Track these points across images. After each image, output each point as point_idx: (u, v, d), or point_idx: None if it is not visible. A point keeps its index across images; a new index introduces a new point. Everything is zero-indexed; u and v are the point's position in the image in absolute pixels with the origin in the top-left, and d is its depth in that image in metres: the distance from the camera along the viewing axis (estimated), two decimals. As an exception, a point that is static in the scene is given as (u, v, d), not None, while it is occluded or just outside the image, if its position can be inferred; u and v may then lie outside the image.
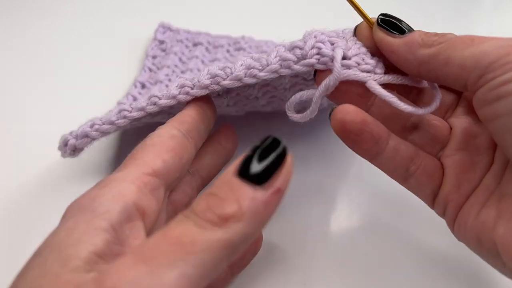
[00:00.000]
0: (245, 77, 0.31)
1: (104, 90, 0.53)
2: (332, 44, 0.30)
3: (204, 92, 0.32)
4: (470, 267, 0.37)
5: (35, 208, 0.41)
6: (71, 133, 0.37)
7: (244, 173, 0.21)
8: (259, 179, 0.20)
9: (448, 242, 0.37)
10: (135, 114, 0.34)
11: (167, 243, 0.19)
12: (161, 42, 0.58)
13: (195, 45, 0.58)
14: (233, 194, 0.20)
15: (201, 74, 0.33)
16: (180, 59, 0.56)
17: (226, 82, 0.31)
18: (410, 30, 0.29)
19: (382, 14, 0.30)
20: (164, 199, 0.27)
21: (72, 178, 0.43)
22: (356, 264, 0.38)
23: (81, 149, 0.37)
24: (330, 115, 0.28)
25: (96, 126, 0.36)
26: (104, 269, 0.19)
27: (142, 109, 0.34)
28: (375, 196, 0.43)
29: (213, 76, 0.32)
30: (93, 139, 0.36)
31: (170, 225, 0.20)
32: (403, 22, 0.29)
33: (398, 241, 0.39)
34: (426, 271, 0.37)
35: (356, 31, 0.31)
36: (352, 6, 0.32)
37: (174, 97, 0.33)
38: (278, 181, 0.21)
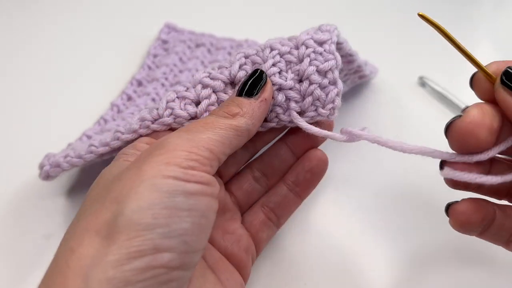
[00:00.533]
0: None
1: (105, 88, 0.53)
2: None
3: (164, 127, 0.34)
4: (471, 266, 0.37)
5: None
6: (48, 159, 0.38)
7: (241, 95, 0.32)
8: (252, 94, 0.32)
9: (448, 242, 0.38)
10: (101, 149, 0.35)
11: (199, 124, 0.30)
12: (165, 41, 0.58)
13: (197, 46, 0.58)
14: (236, 103, 0.32)
15: (159, 107, 0.34)
16: (181, 59, 0.56)
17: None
18: None
19: (508, 68, 0.27)
20: None
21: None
22: (356, 264, 0.38)
23: (55, 176, 0.38)
24: (441, 165, 0.29)
25: (68, 158, 0.37)
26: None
27: (106, 144, 0.35)
28: (376, 197, 0.42)
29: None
30: (64, 170, 0.37)
31: (198, 119, 0.33)
32: None
33: (398, 241, 0.39)
34: (426, 271, 0.37)
35: (472, 83, 0.29)
36: (463, 55, 0.29)
37: (135, 131, 0.34)
38: (263, 93, 0.33)
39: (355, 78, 0.47)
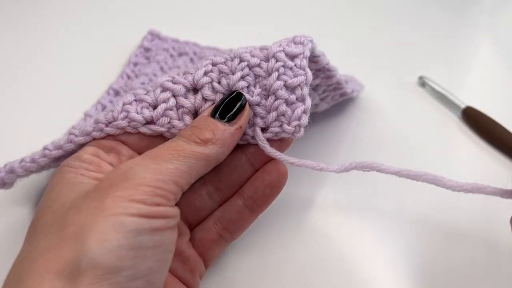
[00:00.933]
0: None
1: (83, 97, 0.51)
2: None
3: (118, 131, 0.32)
4: (470, 266, 0.38)
5: None
6: (5, 166, 0.36)
7: (215, 115, 0.31)
8: (228, 119, 0.30)
9: (448, 241, 0.39)
10: (55, 152, 0.33)
11: (166, 150, 0.28)
12: (147, 49, 0.56)
13: (180, 55, 0.56)
14: (209, 127, 0.30)
15: (114, 109, 0.32)
16: (162, 68, 0.54)
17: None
18: None
19: None
20: None
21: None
22: (356, 264, 0.38)
23: (11, 184, 0.36)
24: None
25: (23, 163, 0.35)
26: (120, 164, 0.29)
27: (60, 147, 0.33)
28: (376, 197, 0.42)
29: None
30: (18, 176, 0.35)
31: (166, 142, 0.30)
32: None
33: (397, 242, 0.39)
34: (425, 269, 0.37)
35: None
36: None
37: (88, 134, 0.32)
38: (240, 121, 0.31)
39: (335, 96, 0.44)
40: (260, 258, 0.38)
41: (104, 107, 0.49)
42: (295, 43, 0.33)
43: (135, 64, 0.54)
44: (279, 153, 0.32)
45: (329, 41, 0.59)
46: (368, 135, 0.48)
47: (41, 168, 0.35)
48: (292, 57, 0.33)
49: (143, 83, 0.51)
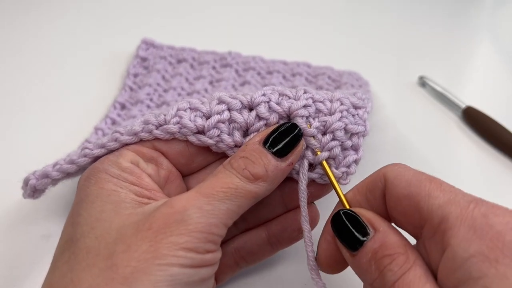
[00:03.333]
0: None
1: (81, 113, 0.50)
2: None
3: (167, 136, 0.31)
4: None
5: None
6: (34, 173, 0.34)
7: (267, 144, 0.29)
8: (280, 153, 0.29)
9: None
10: (96, 151, 0.32)
11: (220, 186, 0.27)
12: (144, 59, 0.55)
13: (179, 61, 0.55)
14: (262, 160, 0.29)
15: (167, 113, 0.31)
16: (163, 77, 0.53)
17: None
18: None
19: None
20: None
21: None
22: None
23: (42, 191, 0.35)
24: None
25: (58, 166, 0.33)
26: (172, 198, 0.27)
27: (103, 146, 0.32)
28: None
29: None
30: (54, 179, 0.34)
31: (218, 175, 0.28)
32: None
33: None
34: None
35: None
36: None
37: (136, 134, 0.31)
38: (292, 156, 0.29)
39: None
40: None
41: (113, 121, 0.48)
42: (356, 97, 0.33)
43: (135, 75, 0.53)
44: (305, 197, 0.31)
45: (330, 41, 0.59)
46: (368, 134, 0.48)
47: (78, 171, 0.34)
48: (356, 107, 0.33)
49: (148, 94, 0.51)
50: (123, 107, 0.50)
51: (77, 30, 0.61)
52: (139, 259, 0.24)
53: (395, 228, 0.27)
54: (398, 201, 0.26)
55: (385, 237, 0.25)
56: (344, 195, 0.29)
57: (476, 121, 0.49)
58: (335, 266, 0.29)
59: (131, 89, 0.52)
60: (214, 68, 0.54)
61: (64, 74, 0.55)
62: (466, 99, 0.51)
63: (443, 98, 0.52)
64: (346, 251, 0.27)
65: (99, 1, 0.65)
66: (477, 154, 0.47)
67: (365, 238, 0.26)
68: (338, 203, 0.30)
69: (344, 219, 0.27)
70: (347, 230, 0.27)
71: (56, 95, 0.52)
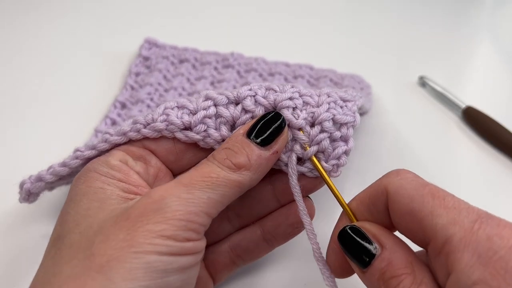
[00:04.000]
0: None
1: (84, 113, 0.50)
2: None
3: (155, 134, 0.31)
4: None
5: None
6: (29, 177, 0.35)
7: (251, 135, 0.29)
8: (264, 142, 0.29)
9: None
10: (87, 153, 0.32)
11: (200, 176, 0.27)
12: (146, 58, 0.55)
13: (181, 61, 0.55)
14: (244, 150, 0.28)
15: (155, 112, 0.32)
16: (165, 77, 0.53)
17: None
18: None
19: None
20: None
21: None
22: None
23: (37, 195, 0.35)
24: None
25: (51, 169, 0.34)
26: (152, 190, 0.27)
27: (93, 147, 0.32)
28: None
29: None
30: (48, 182, 0.34)
31: (200, 165, 0.29)
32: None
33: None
34: None
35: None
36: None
37: (125, 133, 0.31)
38: (277, 145, 0.29)
39: None
40: (261, 259, 0.37)
41: (113, 121, 0.48)
42: (346, 93, 0.33)
43: (137, 74, 0.54)
44: (299, 192, 0.30)
45: (330, 41, 0.60)
46: (368, 135, 0.49)
47: (71, 173, 0.34)
48: (344, 100, 0.33)
49: (149, 94, 0.51)
50: (123, 106, 0.50)
51: (77, 30, 0.61)
52: (115, 247, 0.24)
53: (402, 242, 0.26)
54: (401, 217, 0.26)
55: (392, 255, 0.25)
56: (345, 203, 0.29)
57: (476, 121, 0.49)
58: (348, 272, 0.29)
59: (132, 88, 0.52)
60: (216, 68, 0.54)
61: (64, 75, 0.55)
62: (466, 99, 0.51)
63: (443, 98, 0.52)
64: (356, 267, 0.27)
65: (100, 1, 0.65)
66: (477, 154, 0.48)
67: (373, 253, 0.26)
68: (342, 212, 0.30)
69: (353, 235, 0.27)
70: (355, 248, 0.26)
71: (57, 96, 0.52)
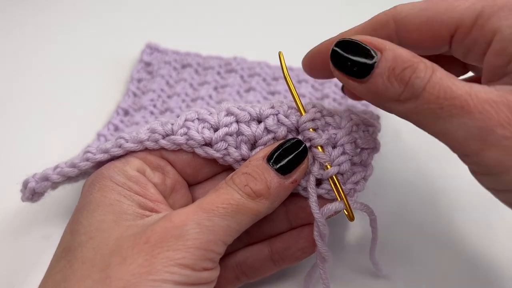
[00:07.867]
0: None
1: (84, 118, 0.49)
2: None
3: (174, 146, 0.31)
4: (471, 268, 0.38)
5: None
6: (34, 176, 0.33)
7: (271, 160, 0.29)
8: (284, 170, 0.28)
9: (448, 241, 0.39)
10: (99, 156, 0.31)
11: (220, 202, 0.27)
12: (148, 64, 0.54)
13: (183, 66, 0.54)
14: (264, 177, 0.28)
15: (175, 123, 0.31)
16: (167, 83, 0.52)
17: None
18: (369, 65, 0.26)
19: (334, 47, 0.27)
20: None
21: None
22: (356, 264, 0.38)
23: (41, 194, 0.34)
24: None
25: (58, 169, 0.33)
26: (172, 212, 0.27)
27: (106, 151, 0.31)
28: (375, 197, 0.42)
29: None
30: (54, 183, 0.33)
31: (220, 190, 0.28)
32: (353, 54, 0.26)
33: (397, 242, 0.39)
34: (424, 270, 0.38)
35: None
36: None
37: (141, 142, 0.31)
38: (296, 174, 0.29)
39: None
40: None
41: (115, 127, 0.47)
42: (367, 116, 0.33)
43: (139, 81, 0.53)
44: (319, 213, 0.30)
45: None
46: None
47: (79, 175, 0.33)
48: (366, 124, 0.32)
49: (152, 100, 0.50)
50: (126, 113, 0.49)
51: (79, 34, 0.60)
52: (133, 272, 0.24)
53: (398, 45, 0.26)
54: (416, 31, 0.27)
55: (396, 52, 0.25)
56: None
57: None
58: (327, 75, 0.31)
59: (135, 94, 0.51)
60: (219, 73, 0.54)
61: (66, 80, 0.54)
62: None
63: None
64: (353, 81, 0.26)
65: (102, 6, 0.64)
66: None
67: (373, 61, 0.25)
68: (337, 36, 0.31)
69: (341, 52, 0.26)
70: (350, 61, 0.26)
71: (59, 101, 0.51)
